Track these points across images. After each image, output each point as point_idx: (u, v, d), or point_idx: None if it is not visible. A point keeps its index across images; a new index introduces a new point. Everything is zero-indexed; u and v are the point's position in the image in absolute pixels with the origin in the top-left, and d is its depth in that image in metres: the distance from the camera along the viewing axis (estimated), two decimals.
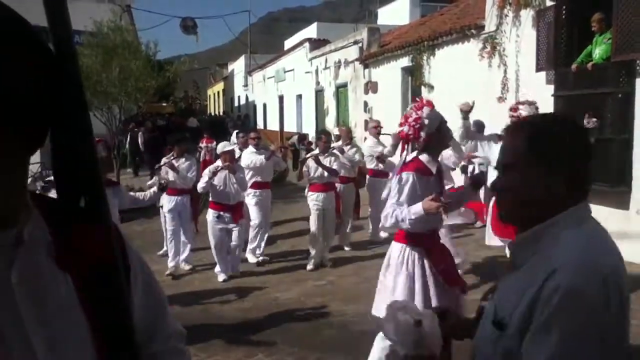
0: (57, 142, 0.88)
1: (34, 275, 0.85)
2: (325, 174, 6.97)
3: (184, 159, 7.22)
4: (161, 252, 7.70)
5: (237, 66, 36.47)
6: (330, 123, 17.58)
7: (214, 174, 6.46)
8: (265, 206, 7.72)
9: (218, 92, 47.58)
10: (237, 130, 10.04)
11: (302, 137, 18.50)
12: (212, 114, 46.07)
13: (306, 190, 7.39)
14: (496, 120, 8.76)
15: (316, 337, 4.94)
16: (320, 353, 4.60)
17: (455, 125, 10.13)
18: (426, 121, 3.47)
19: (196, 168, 7.37)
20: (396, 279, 3.49)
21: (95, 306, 0.90)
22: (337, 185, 7.50)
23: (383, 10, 24.47)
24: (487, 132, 8.83)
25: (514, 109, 5.69)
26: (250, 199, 7.49)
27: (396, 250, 3.57)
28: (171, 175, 7.00)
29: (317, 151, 7.33)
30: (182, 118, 33.61)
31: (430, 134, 3.48)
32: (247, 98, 33.36)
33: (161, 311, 1.16)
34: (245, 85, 33.05)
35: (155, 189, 6.54)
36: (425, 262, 3.47)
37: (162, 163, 7.30)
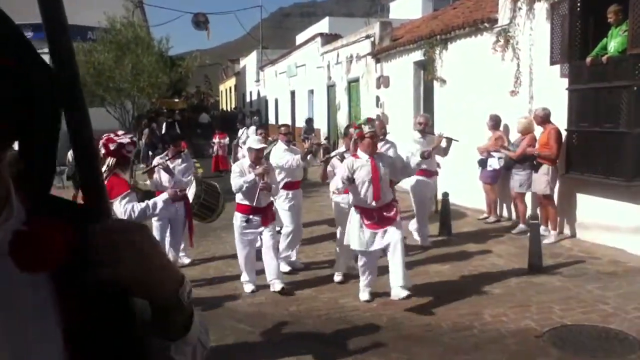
0: (27, 139, 0.81)
1: (6, 279, 0.77)
2: None
3: (180, 160, 6.49)
4: None
5: (249, 61, 36.51)
6: (341, 118, 17.56)
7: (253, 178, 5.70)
8: (299, 208, 6.96)
9: (230, 88, 47.69)
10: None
11: (309, 121, 18.80)
12: (224, 109, 46.26)
13: (331, 192, 6.56)
14: (509, 114, 8.71)
15: (329, 331, 4.95)
16: (333, 347, 4.61)
17: (471, 118, 10.04)
18: None
19: (193, 170, 6.63)
20: None
21: (73, 316, 0.80)
22: None
23: (395, 4, 24.33)
24: (501, 126, 8.80)
25: None
26: (282, 202, 6.69)
27: None
28: (165, 179, 6.30)
29: (343, 149, 6.50)
30: (194, 113, 33.82)
31: None
32: (259, 93, 33.39)
33: None
34: (257, 80, 33.07)
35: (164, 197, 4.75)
36: None
37: (154, 164, 6.59)
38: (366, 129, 5.41)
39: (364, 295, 5.64)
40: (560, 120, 7.52)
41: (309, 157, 6.65)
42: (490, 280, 6.11)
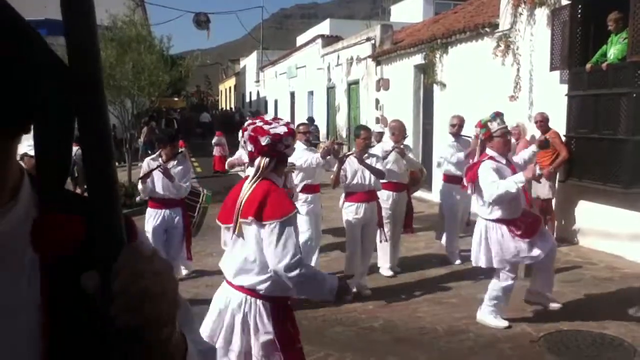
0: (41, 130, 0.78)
1: None
2: (367, 180, 5.71)
3: (175, 162, 5.78)
4: None
5: (249, 62, 36.56)
6: (341, 120, 17.58)
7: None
8: (318, 214, 6.32)
9: (229, 88, 47.73)
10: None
11: (310, 120, 18.77)
12: (223, 108, 46.34)
13: (340, 201, 6.01)
14: (508, 119, 8.72)
15: (325, 333, 4.95)
16: (329, 349, 4.62)
17: (471, 123, 10.09)
18: None
19: (191, 174, 5.99)
20: None
21: (59, 313, 0.76)
22: (387, 193, 6.33)
23: (396, 7, 24.37)
24: None
25: None
26: (300, 206, 5.85)
27: None
28: (159, 186, 5.66)
29: (353, 151, 5.95)
30: (195, 112, 33.83)
31: None
32: (258, 94, 33.42)
33: (186, 323, 0.92)
34: (257, 81, 33.10)
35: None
36: None
37: (151, 167, 5.78)
38: (495, 125, 4.67)
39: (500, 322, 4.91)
40: (559, 126, 7.54)
41: (328, 157, 5.99)
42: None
